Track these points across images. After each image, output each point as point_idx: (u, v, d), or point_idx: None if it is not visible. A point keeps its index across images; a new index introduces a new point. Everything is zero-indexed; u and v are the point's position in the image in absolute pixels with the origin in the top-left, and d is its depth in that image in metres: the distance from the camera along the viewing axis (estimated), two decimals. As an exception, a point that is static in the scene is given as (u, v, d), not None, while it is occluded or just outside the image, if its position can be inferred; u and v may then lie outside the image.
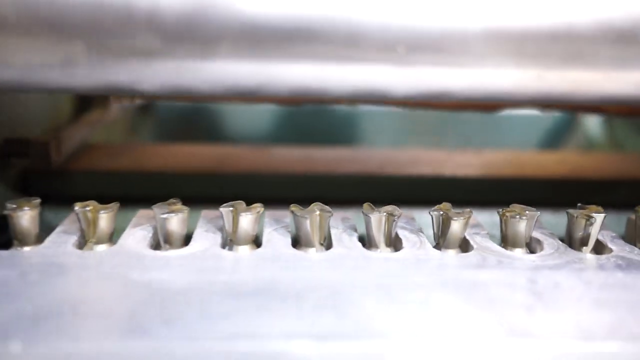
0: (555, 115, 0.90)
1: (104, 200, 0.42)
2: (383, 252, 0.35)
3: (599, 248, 0.36)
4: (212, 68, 0.28)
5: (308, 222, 0.35)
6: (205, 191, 0.50)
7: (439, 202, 0.37)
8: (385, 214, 0.35)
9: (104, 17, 0.27)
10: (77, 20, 0.27)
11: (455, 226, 0.35)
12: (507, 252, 0.35)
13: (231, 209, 0.35)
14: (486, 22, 0.28)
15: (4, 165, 0.45)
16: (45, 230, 0.52)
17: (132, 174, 0.49)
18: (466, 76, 0.29)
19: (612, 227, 0.38)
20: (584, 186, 0.52)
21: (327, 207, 0.36)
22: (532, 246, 0.36)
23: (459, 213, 0.35)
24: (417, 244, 0.35)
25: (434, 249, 0.35)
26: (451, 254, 0.34)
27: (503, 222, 0.36)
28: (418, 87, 0.29)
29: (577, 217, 0.36)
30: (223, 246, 0.35)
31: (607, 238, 0.36)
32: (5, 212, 0.34)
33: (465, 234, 0.36)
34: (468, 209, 0.36)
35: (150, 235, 0.36)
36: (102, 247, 0.35)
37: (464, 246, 0.36)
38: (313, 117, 0.90)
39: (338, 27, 0.28)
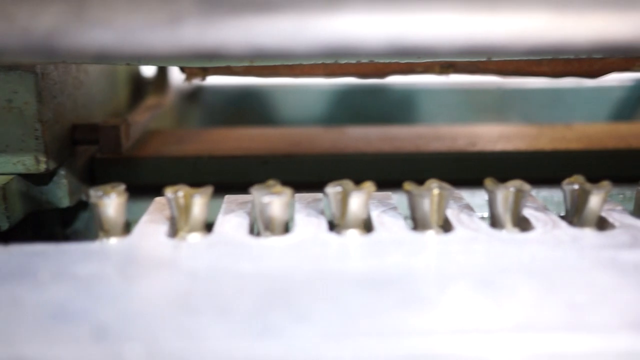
0: (626, 86, 0.84)
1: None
2: (511, 232, 0.31)
3: None
4: (335, 23, 0.24)
5: (427, 201, 0.31)
6: (284, 174, 0.46)
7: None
8: (513, 189, 0.31)
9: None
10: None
11: None
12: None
13: (339, 189, 0.31)
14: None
15: (71, 154, 0.41)
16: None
17: (203, 159, 0.46)
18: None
19: None
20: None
21: (445, 185, 0.32)
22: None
23: None
24: (548, 223, 0.31)
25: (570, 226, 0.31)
26: None
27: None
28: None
29: None
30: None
31: None
32: (91, 200, 0.30)
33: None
34: None
35: (247, 222, 0.32)
36: (195, 236, 0.31)
37: None
38: (356, 97, 0.85)
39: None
